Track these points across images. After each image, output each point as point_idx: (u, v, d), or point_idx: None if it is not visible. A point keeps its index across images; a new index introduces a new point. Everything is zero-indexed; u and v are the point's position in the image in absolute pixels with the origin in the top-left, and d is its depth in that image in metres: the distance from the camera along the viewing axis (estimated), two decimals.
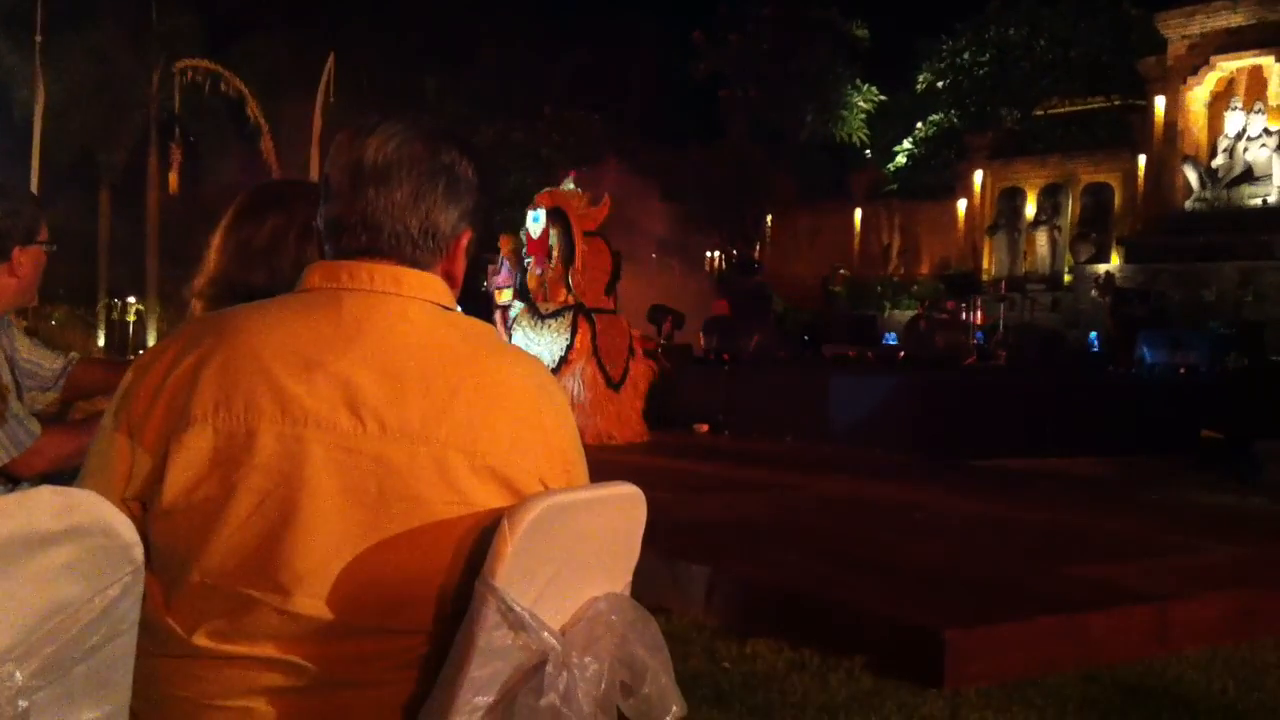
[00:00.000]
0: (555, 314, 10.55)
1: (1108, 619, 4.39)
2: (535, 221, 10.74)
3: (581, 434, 1.65)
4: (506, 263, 11.40)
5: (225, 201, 2.21)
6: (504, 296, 11.29)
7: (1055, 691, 3.89)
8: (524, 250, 10.87)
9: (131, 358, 3.00)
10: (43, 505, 1.19)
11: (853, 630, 4.29)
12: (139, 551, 1.28)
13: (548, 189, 11.31)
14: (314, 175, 17.70)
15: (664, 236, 22.60)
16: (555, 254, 10.69)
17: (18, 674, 1.17)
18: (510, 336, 10.50)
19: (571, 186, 11.09)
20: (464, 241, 1.61)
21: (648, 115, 28.73)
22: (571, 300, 10.52)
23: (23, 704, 1.17)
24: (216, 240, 2.13)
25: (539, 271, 10.68)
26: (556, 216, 10.72)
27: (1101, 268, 20.61)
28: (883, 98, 30.48)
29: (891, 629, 4.20)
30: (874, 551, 5.49)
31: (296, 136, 22.19)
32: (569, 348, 10.28)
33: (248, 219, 2.10)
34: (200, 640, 1.42)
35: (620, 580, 1.60)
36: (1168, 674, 4.12)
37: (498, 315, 11.40)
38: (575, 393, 9.99)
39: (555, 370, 9.90)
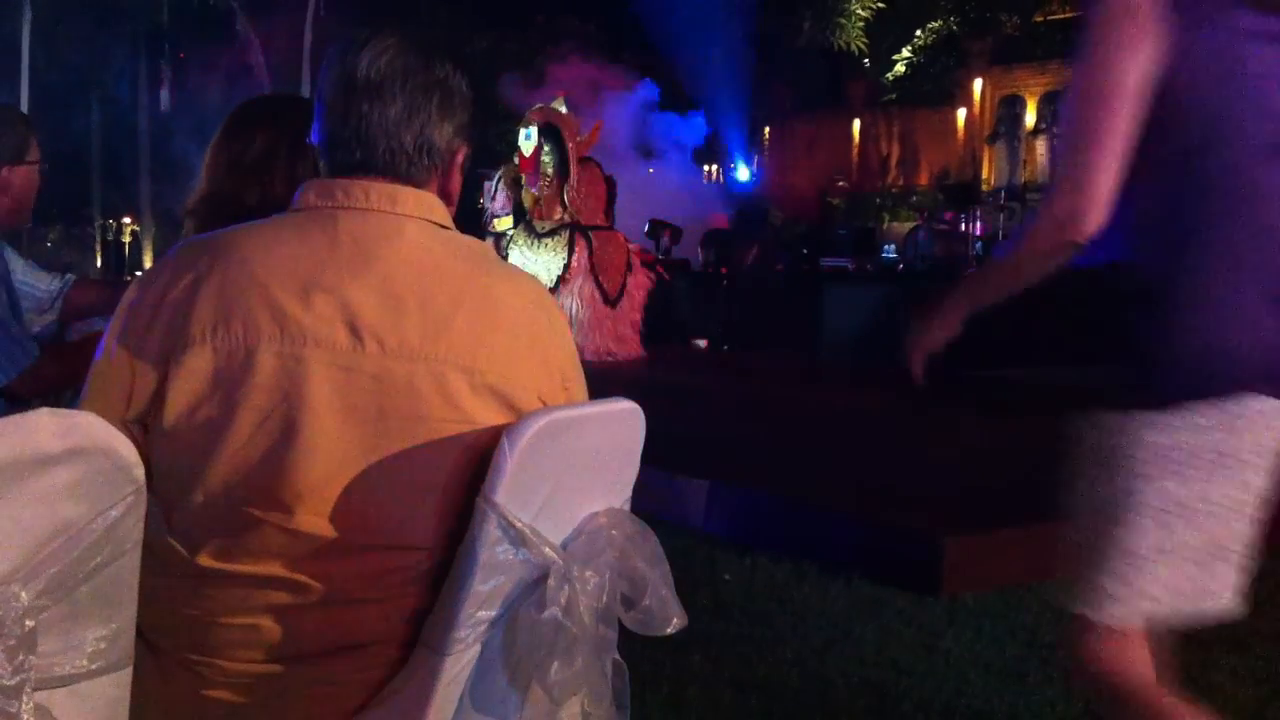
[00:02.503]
0: (551, 232, 10.50)
1: None
2: (527, 139, 10.65)
3: (580, 351, 1.65)
4: (504, 190, 11.29)
5: (217, 118, 2.18)
6: (502, 224, 11.18)
7: (1051, 596, 3.93)
8: (517, 170, 10.80)
9: (128, 278, 2.99)
10: (42, 427, 1.19)
11: (851, 539, 4.33)
12: (140, 472, 1.28)
13: (539, 105, 11.19)
14: (306, 91, 17.53)
15: (660, 148, 22.41)
16: (551, 171, 10.61)
17: (23, 594, 1.18)
18: (506, 256, 10.47)
19: (563, 109, 10.96)
20: (459, 158, 1.59)
21: (642, 23, 28.32)
22: (567, 218, 10.46)
23: (29, 623, 1.18)
24: (208, 158, 2.11)
25: (534, 189, 10.61)
26: (549, 133, 10.62)
27: None
28: (881, 4, 30.03)
29: (890, 537, 4.24)
30: (872, 462, 5.52)
31: (288, 51, 21.93)
32: (566, 266, 10.25)
33: (237, 136, 2.08)
34: (204, 559, 1.43)
35: (620, 495, 1.61)
36: None
37: (490, 241, 11.35)
38: (573, 311, 9.98)
39: (553, 289, 9.89)
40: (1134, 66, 1.80)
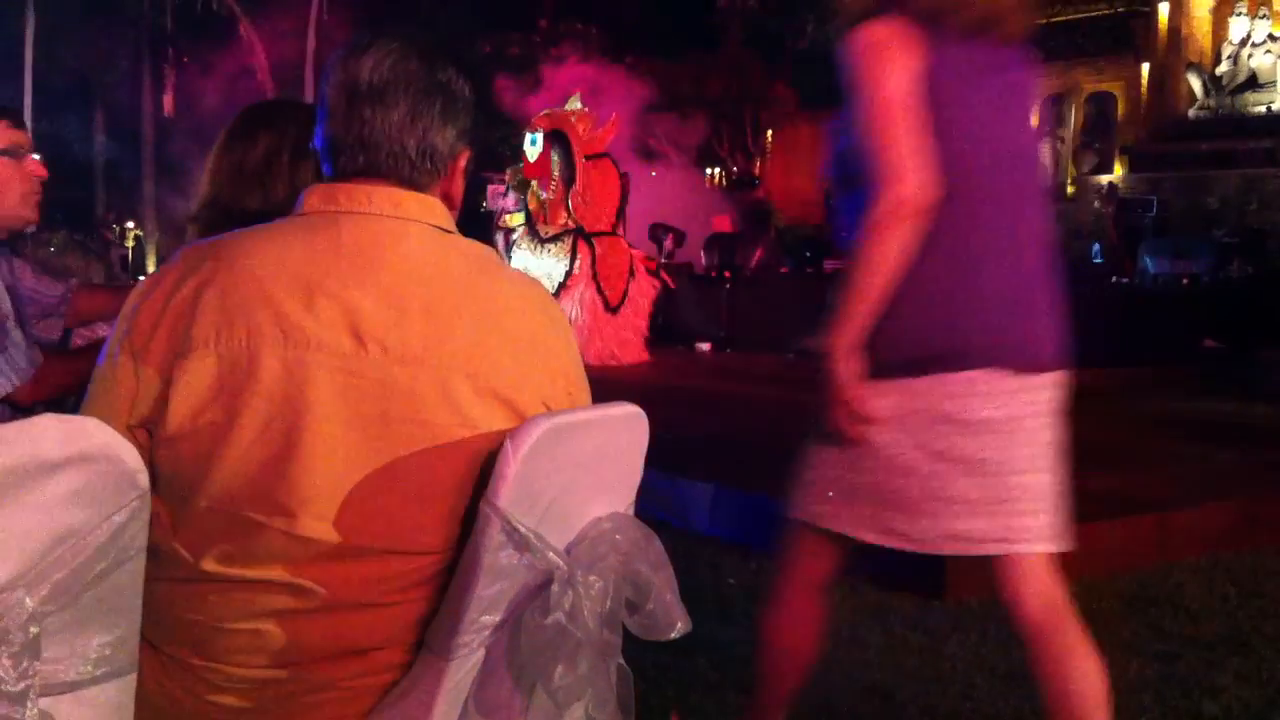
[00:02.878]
0: (555, 238, 10.50)
1: (1109, 528, 4.42)
2: (532, 144, 10.65)
3: (583, 355, 1.65)
4: (515, 192, 11.29)
5: (219, 122, 2.18)
6: (514, 220, 11.17)
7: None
8: (522, 175, 10.80)
9: (132, 282, 2.97)
10: (46, 433, 1.19)
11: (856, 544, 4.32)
12: (144, 478, 1.28)
13: (546, 111, 11.19)
14: (309, 95, 17.52)
15: (663, 151, 22.41)
16: (556, 176, 10.61)
17: (28, 600, 1.18)
18: (511, 259, 10.47)
19: (578, 105, 10.95)
20: (461, 162, 1.59)
21: (644, 25, 28.33)
22: (571, 224, 10.46)
23: (34, 630, 1.18)
24: (210, 163, 2.11)
25: (543, 194, 10.61)
26: (556, 138, 10.62)
27: (1104, 178, 20.47)
28: None
29: None
30: None
31: (291, 55, 21.96)
32: (568, 273, 10.25)
33: (239, 140, 2.08)
34: (208, 564, 1.43)
35: (624, 499, 1.61)
36: (1169, 581, 4.16)
37: (500, 237, 11.33)
38: (573, 316, 9.98)
39: (555, 294, 9.88)
40: (900, 79, 2.13)
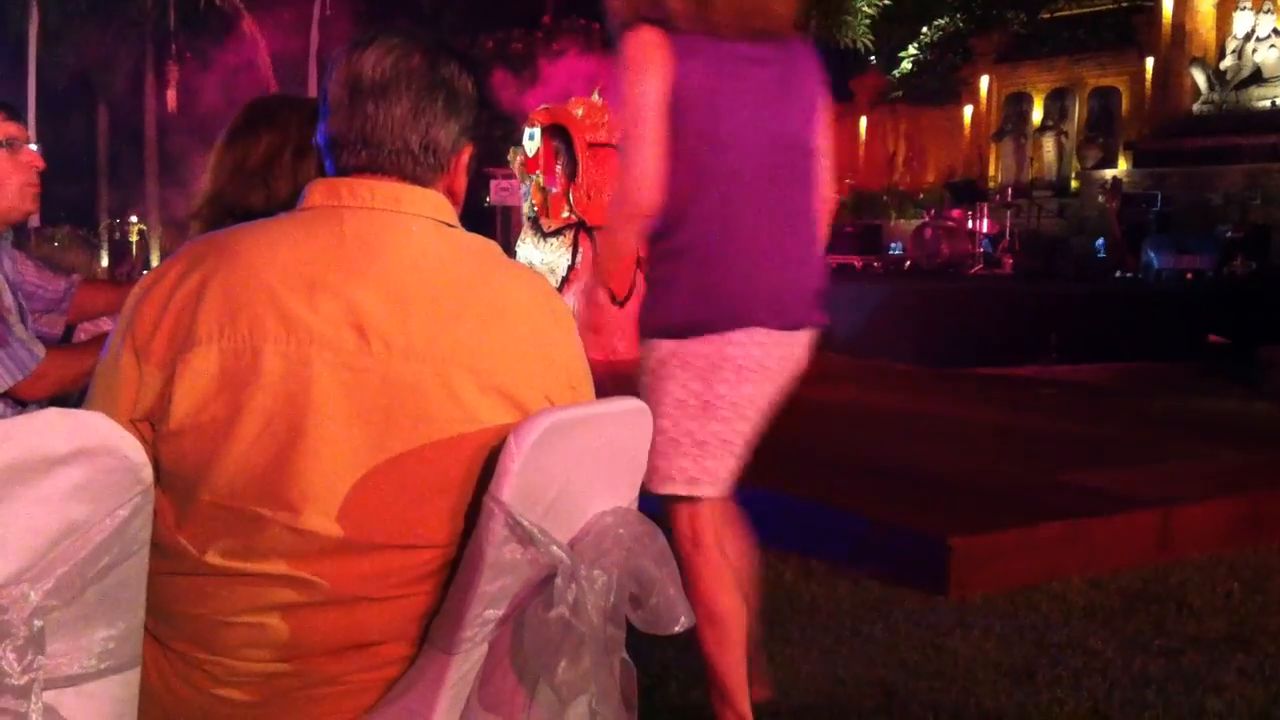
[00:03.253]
0: (557, 232, 10.49)
1: (1112, 525, 4.42)
2: (530, 139, 10.63)
3: (586, 350, 1.65)
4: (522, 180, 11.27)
5: (222, 119, 2.18)
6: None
7: (1059, 597, 3.93)
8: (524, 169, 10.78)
9: (135, 278, 2.97)
10: (50, 428, 1.19)
11: (859, 539, 4.33)
12: (148, 472, 1.28)
13: (544, 106, 11.16)
14: (312, 91, 17.52)
15: None
16: (560, 170, 10.60)
17: (32, 594, 1.18)
18: (515, 253, 10.46)
19: (598, 99, 10.92)
20: (464, 157, 1.59)
21: None
22: (573, 218, 10.44)
23: (38, 624, 1.18)
24: (212, 160, 2.11)
25: (553, 188, 10.58)
26: (557, 133, 10.59)
27: (1108, 173, 20.43)
28: (887, 1, 29.96)
29: (898, 537, 4.24)
30: (879, 460, 5.52)
31: (294, 51, 21.95)
32: (570, 267, 10.23)
33: (241, 137, 2.08)
34: (212, 559, 1.44)
35: (627, 494, 1.61)
36: (1171, 579, 4.16)
37: (527, 224, 11.27)
38: (577, 310, 9.96)
39: (558, 288, 9.86)
40: (651, 89, 2.44)
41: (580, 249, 10.29)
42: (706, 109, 2.48)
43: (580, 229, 10.39)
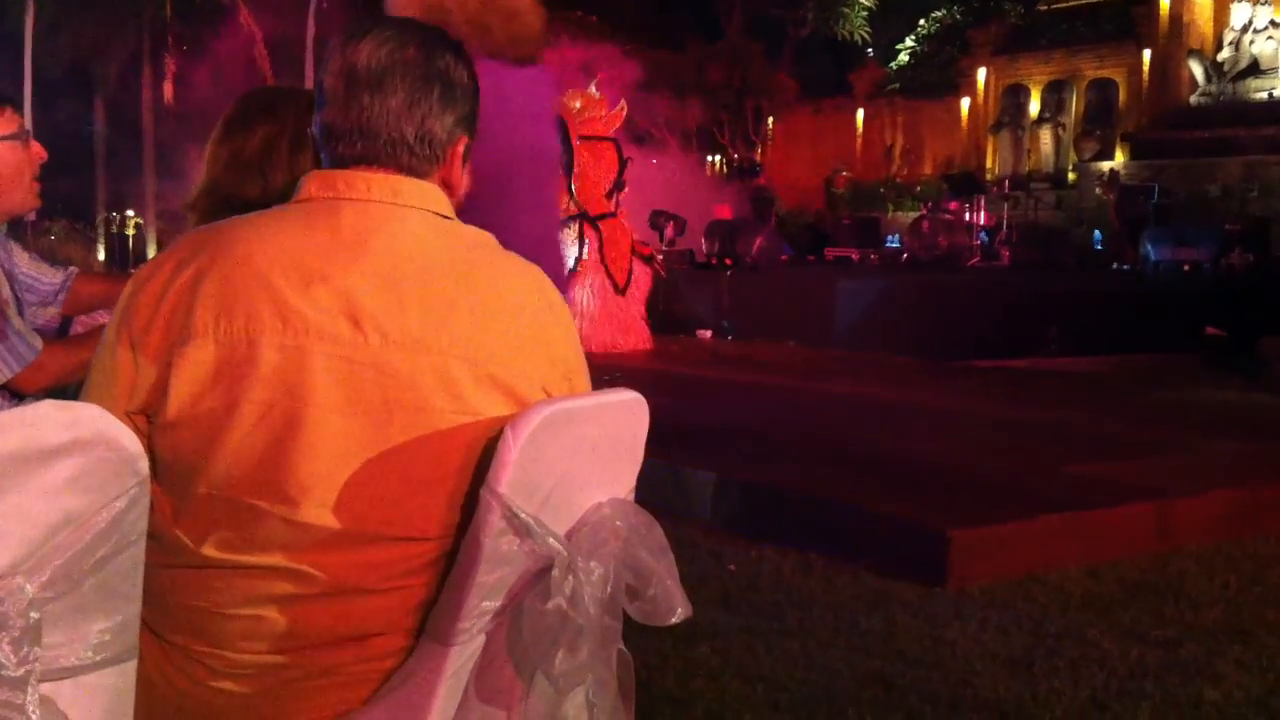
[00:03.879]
0: (562, 224, 10.48)
1: (1110, 516, 4.42)
2: None
3: (586, 342, 1.65)
4: None
5: (219, 110, 2.18)
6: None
7: (1058, 588, 3.94)
8: None
9: (132, 270, 2.96)
10: (46, 419, 1.19)
11: (858, 531, 4.33)
12: (144, 464, 1.28)
13: None
14: (308, 82, 17.46)
15: (663, 138, 22.38)
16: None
17: (28, 586, 1.18)
18: None
19: (595, 93, 10.90)
20: (460, 149, 1.59)
21: (644, 13, 28.25)
22: (575, 210, 10.43)
23: (34, 615, 1.18)
24: (208, 151, 2.10)
25: None
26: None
27: (1106, 165, 20.45)
28: None
29: (896, 529, 4.24)
30: (878, 453, 5.52)
31: (291, 43, 21.92)
32: (577, 259, 10.22)
33: (237, 128, 2.07)
34: (209, 550, 1.44)
35: (624, 486, 1.61)
36: (1170, 569, 4.16)
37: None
38: (584, 303, 9.96)
39: (567, 280, 9.83)
40: None
41: (586, 240, 10.29)
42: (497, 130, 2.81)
43: (584, 220, 10.37)
